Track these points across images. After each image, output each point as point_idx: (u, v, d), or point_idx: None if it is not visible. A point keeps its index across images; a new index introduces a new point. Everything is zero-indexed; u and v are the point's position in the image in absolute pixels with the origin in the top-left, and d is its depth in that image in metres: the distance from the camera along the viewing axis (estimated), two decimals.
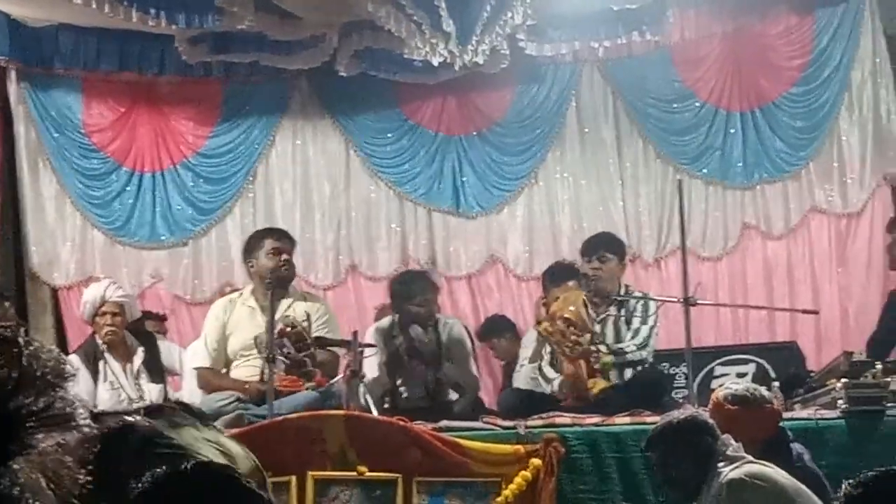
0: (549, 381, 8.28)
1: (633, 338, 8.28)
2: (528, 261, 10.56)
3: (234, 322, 8.28)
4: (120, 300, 8.41)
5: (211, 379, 8.23)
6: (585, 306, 8.27)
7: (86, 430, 1.81)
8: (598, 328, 8.29)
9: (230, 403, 7.66)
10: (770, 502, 5.10)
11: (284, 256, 8.29)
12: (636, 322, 8.35)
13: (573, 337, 7.99)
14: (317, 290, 9.89)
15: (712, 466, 5.63)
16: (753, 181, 10.47)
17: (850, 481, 2.97)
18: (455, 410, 8.14)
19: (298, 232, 9.77)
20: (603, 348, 8.19)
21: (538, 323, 8.42)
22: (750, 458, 5.70)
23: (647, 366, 8.31)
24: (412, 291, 8.58)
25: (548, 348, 8.39)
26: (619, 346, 8.24)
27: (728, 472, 5.56)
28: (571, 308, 8.04)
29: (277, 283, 7.93)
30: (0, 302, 8.16)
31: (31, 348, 1.78)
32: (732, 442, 5.75)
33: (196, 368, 8.40)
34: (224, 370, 8.21)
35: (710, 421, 5.90)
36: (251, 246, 8.43)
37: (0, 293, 8.51)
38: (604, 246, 8.55)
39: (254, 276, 8.35)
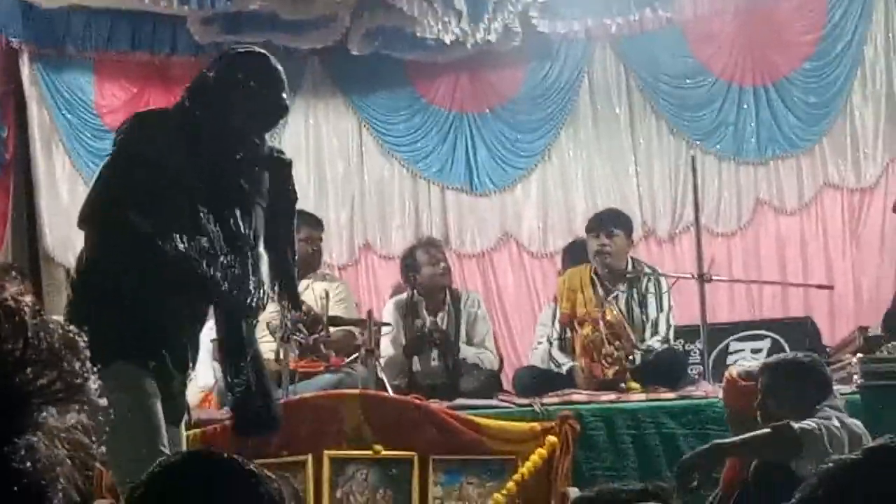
0: (559, 365, 8.25)
1: (654, 333, 8.23)
2: (541, 238, 10.56)
3: None
4: None
5: None
6: (593, 284, 8.26)
7: (98, 402, 1.78)
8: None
9: None
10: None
11: (314, 247, 8.34)
12: (652, 308, 8.26)
13: (615, 353, 7.94)
14: (332, 270, 9.90)
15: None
16: (766, 157, 10.44)
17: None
18: (468, 388, 8.10)
19: (312, 211, 9.76)
20: (638, 358, 8.06)
21: (581, 326, 8.27)
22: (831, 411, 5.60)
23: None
24: (420, 260, 8.55)
25: (556, 332, 8.36)
26: (646, 345, 8.15)
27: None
28: (614, 311, 8.01)
29: (302, 268, 7.94)
30: (21, 279, 8.20)
31: (37, 320, 1.76)
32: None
33: (213, 341, 8.38)
34: None
35: (828, 376, 5.84)
36: None
37: (19, 270, 8.56)
38: (610, 221, 8.44)
39: None
